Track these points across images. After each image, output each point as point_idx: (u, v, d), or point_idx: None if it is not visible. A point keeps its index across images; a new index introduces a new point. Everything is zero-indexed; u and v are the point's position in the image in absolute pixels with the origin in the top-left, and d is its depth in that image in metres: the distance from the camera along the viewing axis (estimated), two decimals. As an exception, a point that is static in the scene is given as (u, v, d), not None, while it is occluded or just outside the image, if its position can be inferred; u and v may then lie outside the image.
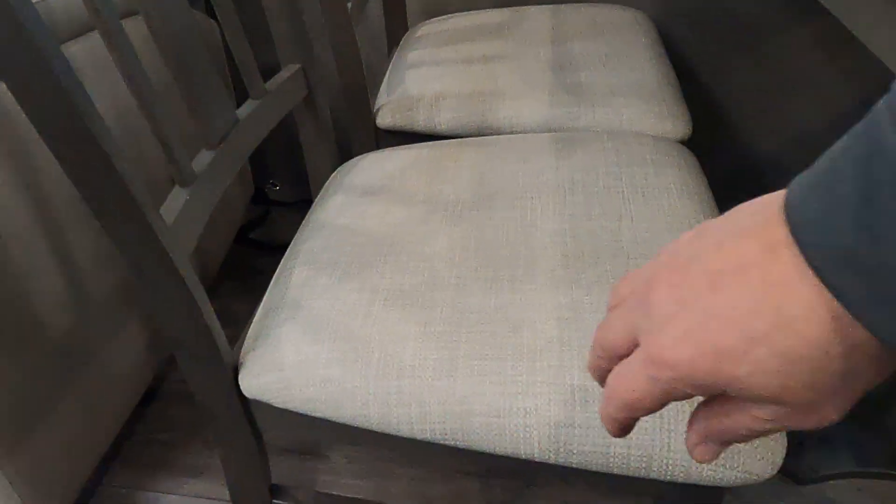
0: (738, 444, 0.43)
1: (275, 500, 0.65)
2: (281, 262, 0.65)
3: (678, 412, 0.45)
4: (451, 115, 0.87)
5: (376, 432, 0.52)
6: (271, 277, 0.65)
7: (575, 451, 0.46)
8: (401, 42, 1.12)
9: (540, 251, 0.58)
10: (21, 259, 0.73)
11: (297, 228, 0.70)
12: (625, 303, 0.28)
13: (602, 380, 0.29)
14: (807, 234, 0.22)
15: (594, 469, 0.47)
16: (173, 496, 0.94)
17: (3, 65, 0.37)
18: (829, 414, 0.23)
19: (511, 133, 0.85)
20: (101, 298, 0.87)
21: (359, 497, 0.89)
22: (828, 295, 0.21)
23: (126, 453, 1.01)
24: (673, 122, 0.82)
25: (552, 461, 0.47)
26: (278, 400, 0.53)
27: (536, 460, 0.47)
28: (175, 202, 0.51)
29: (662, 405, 0.26)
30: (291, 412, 0.54)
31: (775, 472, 0.44)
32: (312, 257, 0.61)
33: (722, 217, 0.26)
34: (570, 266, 0.56)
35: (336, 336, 0.53)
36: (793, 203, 0.22)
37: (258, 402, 0.55)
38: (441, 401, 0.48)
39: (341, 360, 0.51)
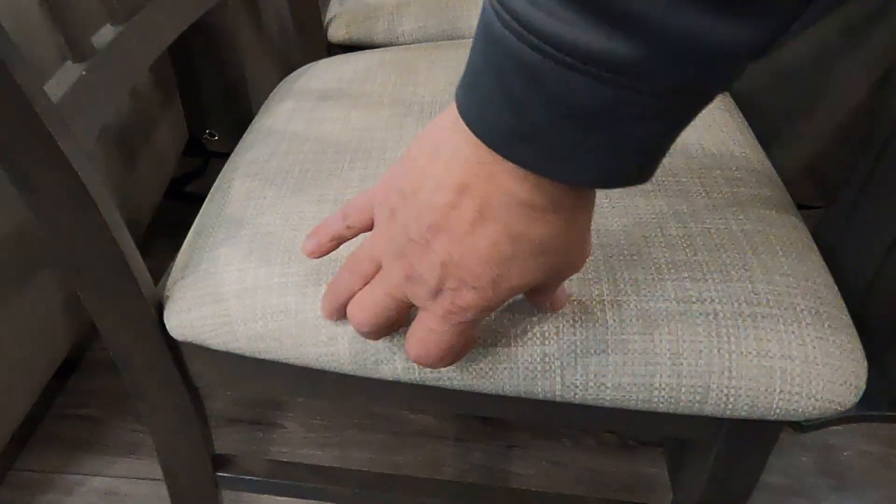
0: (815, 368, 0.34)
1: (219, 474, 0.53)
2: (217, 180, 0.52)
3: (738, 328, 0.35)
4: (415, 24, 0.75)
5: (347, 377, 0.40)
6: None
7: (609, 385, 0.35)
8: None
9: None
10: None
11: None
12: (386, 276, 0.31)
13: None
14: (478, 128, 0.25)
15: (631, 407, 0.36)
16: (100, 478, 0.81)
17: None
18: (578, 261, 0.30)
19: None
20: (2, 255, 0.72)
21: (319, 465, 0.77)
22: (510, 168, 0.25)
23: (43, 432, 0.86)
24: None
25: (578, 399, 0.36)
26: (216, 340, 0.41)
27: (558, 400, 0.37)
28: (64, 77, 0.38)
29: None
30: (234, 356, 0.41)
31: (858, 398, 0.35)
32: (257, 167, 0.49)
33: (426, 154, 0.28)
34: None
35: (291, 256, 0.40)
36: (457, 95, 0.26)
37: (191, 346, 0.43)
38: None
39: (300, 286, 0.39)
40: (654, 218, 0.40)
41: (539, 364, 0.36)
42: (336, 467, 0.54)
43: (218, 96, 1.25)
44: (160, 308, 0.43)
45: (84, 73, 0.39)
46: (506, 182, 0.26)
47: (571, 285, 0.37)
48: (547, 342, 0.36)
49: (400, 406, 0.42)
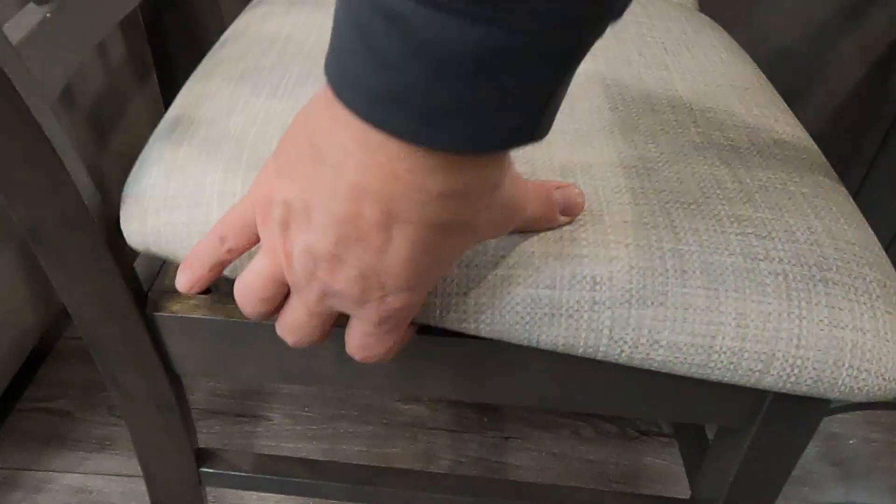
0: (886, 345, 0.31)
1: (202, 469, 0.48)
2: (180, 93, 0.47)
3: (810, 292, 0.31)
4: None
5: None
6: None
7: (663, 343, 0.31)
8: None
9: (575, 89, 0.43)
10: None
11: None
12: (301, 298, 0.28)
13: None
14: (344, 94, 0.22)
15: (682, 371, 0.32)
16: (72, 475, 0.76)
17: None
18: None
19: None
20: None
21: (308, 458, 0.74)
22: (414, 161, 0.22)
23: (10, 427, 0.81)
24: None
25: (624, 359, 0.32)
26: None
27: (599, 357, 0.33)
28: (25, 19, 0.33)
29: None
30: (214, 326, 0.37)
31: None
32: (229, 68, 0.44)
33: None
34: (619, 110, 0.41)
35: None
36: (328, 71, 0.23)
37: (170, 322, 0.38)
38: (463, 262, 0.32)
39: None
40: (706, 168, 0.36)
41: (587, 313, 0.32)
42: (326, 461, 0.50)
43: (192, 65, 1.20)
44: (138, 287, 0.38)
45: (48, 14, 0.34)
46: (412, 178, 0.22)
47: (627, 228, 0.33)
48: (598, 288, 0.31)
49: (395, 387, 0.38)
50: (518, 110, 0.21)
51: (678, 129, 0.39)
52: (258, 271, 0.28)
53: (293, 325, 0.29)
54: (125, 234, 0.37)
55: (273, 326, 0.31)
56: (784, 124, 0.42)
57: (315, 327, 0.29)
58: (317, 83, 0.41)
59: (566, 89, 0.22)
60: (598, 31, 0.20)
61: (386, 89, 0.20)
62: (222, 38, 0.51)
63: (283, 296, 0.29)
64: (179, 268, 0.31)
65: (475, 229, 0.26)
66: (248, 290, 0.28)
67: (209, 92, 0.42)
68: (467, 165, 0.23)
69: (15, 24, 0.33)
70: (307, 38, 0.47)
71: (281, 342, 0.31)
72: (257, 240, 0.29)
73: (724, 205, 0.34)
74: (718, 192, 0.35)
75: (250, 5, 0.55)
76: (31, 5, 0.35)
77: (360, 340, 0.29)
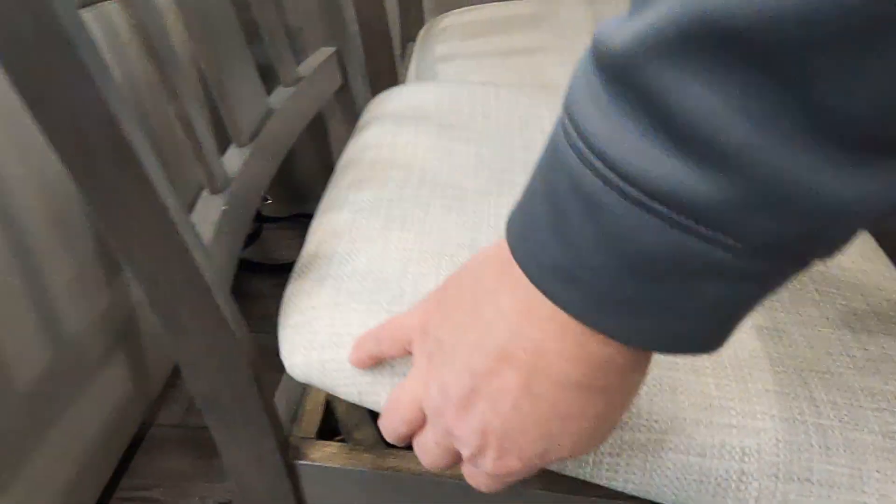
0: None
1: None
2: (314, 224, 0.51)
3: None
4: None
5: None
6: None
7: None
8: (419, 36, 1.00)
9: None
10: (-16, 290, 0.58)
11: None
12: (431, 427, 0.29)
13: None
14: (521, 256, 0.22)
15: None
16: (167, 567, 0.79)
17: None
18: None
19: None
20: (79, 333, 0.72)
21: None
22: (563, 347, 0.22)
23: (108, 516, 0.85)
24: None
25: None
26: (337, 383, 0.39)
27: None
28: (208, 212, 0.38)
29: None
30: (355, 475, 0.40)
31: None
32: (361, 198, 0.47)
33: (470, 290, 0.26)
34: None
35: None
36: (510, 230, 0.23)
37: (311, 470, 0.42)
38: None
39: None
40: (831, 333, 0.39)
41: (734, 483, 0.34)
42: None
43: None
44: (286, 445, 0.42)
45: (225, 207, 0.39)
46: (557, 362, 0.23)
47: (770, 397, 0.35)
48: (746, 460, 0.33)
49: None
50: (696, 320, 0.20)
51: (798, 287, 0.42)
52: (407, 390, 0.30)
53: (424, 448, 0.30)
54: (287, 366, 0.40)
55: (406, 479, 0.33)
56: (892, 280, 0.44)
57: (442, 456, 0.30)
58: (459, 218, 0.44)
59: (753, 308, 0.21)
60: (807, 263, 0.19)
61: (566, 265, 0.20)
62: (342, 162, 0.55)
63: (422, 422, 0.30)
64: (353, 346, 0.35)
65: (593, 431, 0.26)
66: (395, 409, 0.30)
67: (348, 225, 0.45)
68: (616, 363, 0.23)
69: (200, 221, 0.37)
70: (434, 166, 0.50)
71: (412, 494, 0.33)
72: (407, 353, 0.31)
73: (855, 376, 0.36)
74: (847, 360, 0.37)
75: (361, 125, 0.58)
76: (208, 195, 0.40)
77: (474, 478, 0.29)
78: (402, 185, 0.47)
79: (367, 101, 0.65)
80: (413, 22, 1.04)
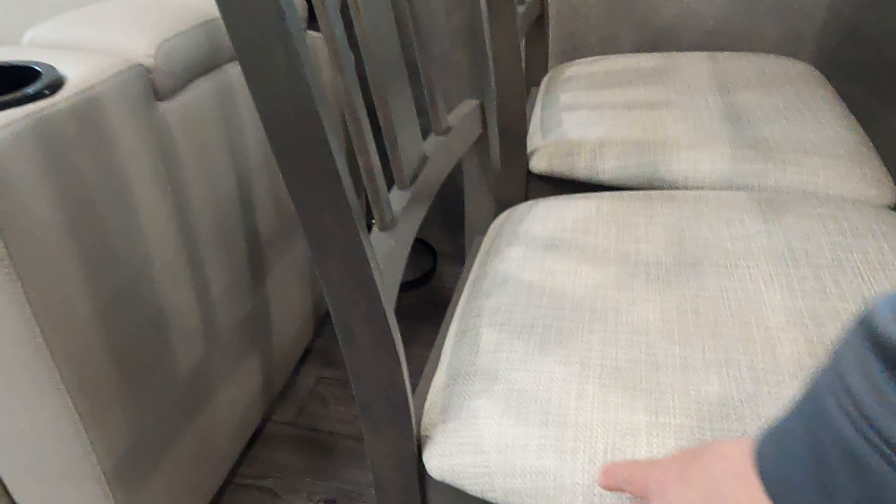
0: None
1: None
2: (457, 318, 0.58)
3: None
4: (616, 163, 0.79)
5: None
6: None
7: None
8: (543, 83, 1.06)
9: (777, 333, 0.49)
10: (165, 287, 0.68)
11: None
12: None
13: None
14: (774, 489, 0.24)
15: None
16: (276, 552, 0.87)
17: (252, 45, 0.32)
18: None
19: (686, 188, 0.77)
20: (227, 333, 0.82)
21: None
22: None
23: (225, 499, 0.94)
24: (878, 186, 0.72)
25: None
26: (474, 487, 0.45)
27: None
28: (381, 247, 0.45)
29: None
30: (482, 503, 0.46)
31: None
32: (502, 317, 0.54)
33: (699, 471, 0.30)
34: (817, 354, 0.47)
35: (548, 418, 0.45)
36: (763, 466, 0.26)
37: (443, 486, 0.47)
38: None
39: (557, 450, 0.43)
40: None
41: None
42: None
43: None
44: (419, 444, 0.48)
45: (393, 243, 0.45)
46: None
47: None
48: None
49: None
50: None
51: None
52: None
53: None
54: (427, 467, 0.47)
55: None
56: None
57: None
58: (581, 340, 0.50)
59: None
60: None
61: None
62: (485, 270, 0.61)
63: None
64: (603, 471, 0.41)
65: None
66: None
67: (490, 344, 0.51)
68: None
69: (376, 252, 0.44)
70: (565, 289, 0.56)
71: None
72: (643, 497, 0.37)
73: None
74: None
75: (504, 237, 0.65)
76: (378, 233, 0.47)
77: None
78: (556, 308, 0.53)
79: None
80: (537, 68, 1.11)
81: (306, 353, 1.17)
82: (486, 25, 0.71)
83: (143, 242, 0.63)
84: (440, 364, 0.54)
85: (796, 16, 1.07)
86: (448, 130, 0.60)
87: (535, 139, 0.87)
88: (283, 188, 0.92)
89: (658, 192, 0.70)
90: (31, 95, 0.52)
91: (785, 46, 1.08)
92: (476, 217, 0.74)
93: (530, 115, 0.98)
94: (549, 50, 1.18)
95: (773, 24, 1.08)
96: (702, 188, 0.76)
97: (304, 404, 1.07)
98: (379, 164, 0.45)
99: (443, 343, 0.57)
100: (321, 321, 1.19)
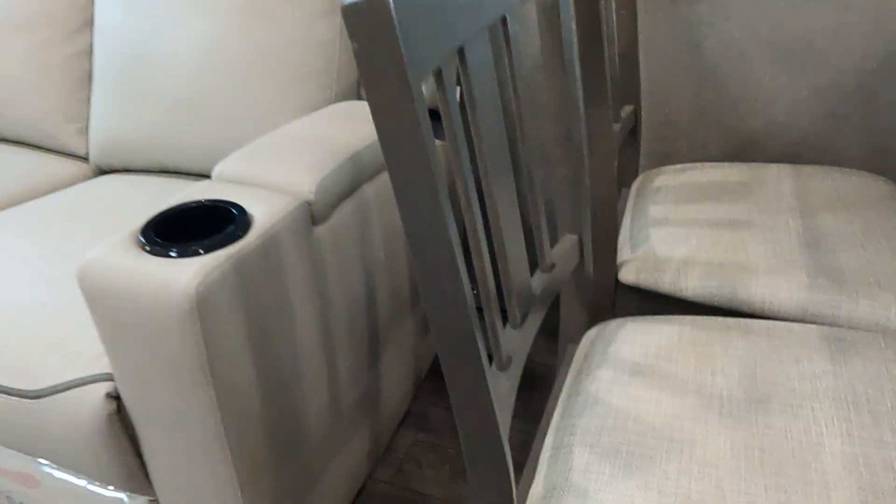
0: None
1: None
2: (552, 430, 0.69)
3: None
4: (699, 282, 0.88)
5: None
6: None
7: None
8: (633, 187, 1.16)
9: (833, 478, 0.57)
10: (307, 375, 0.82)
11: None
12: None
13: None
14: None
15: None
16: None
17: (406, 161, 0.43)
18: None
19: (763, 312, 0.85)
20: (347, 407, 0.95)
21: None
22: None
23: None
24: (948, 325, 0.78)
25: None
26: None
27: None
28: (498, 386, 0.57)
29: None
30: None
31: None
32: (592, 438, 0.64)
33: None
34: (868, 503, 0.55)
35: (629, 538, 0.55)
36: None
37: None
38: None
39: (635, 567, 0.53)
40: None
41: None
42: None
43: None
44: (519, 545, 0.59)
45: (508, 382, 0.57)
46: None
47: None
48: None
49: None
50: None
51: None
52: None
53: None
54: None
55: None
56: None
57: None
58: (659, 468, 0.59)
59: None
60: None
61: None
62: (578, 388, 0.72)
63: None
64: None
65: None
66: None
67: (581, 463, 0.62)
68: None
69: (492, 386, 0.56)
70: (647, 417, 0.66)
71: None
72: None
73: None
74: None
75: (594, 357, 0.76)
76: (494, 371, 0.58)
77: None
78: (639, 434, 0.63)
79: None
80: (629, 171, 1.21)
81: (405, 415, 1.30)
82: (586, 163, 0.82)
83: (296, 341, 0.78)
84: (537, 474, 0.64)
85: (884, 133, 1.13)
86: (552, 267, 0.72)
87: (624, 251, 0.98)
88: (400, 279, 1.06)
89: (735, 320, 0.79)
90: (232, 237, 0.67)
91: (871, 162, 1.14)
92: (569, 325, 0.85)
93: (621, 218, 1.08)
94: (641, 151, 1.28)
95: (859, 141, 1.14)
96: (777, 315, 0.84)
97: (402, 464, 1.20)
98: (499, 307, 0.57)
99: (539, 452, 0.68)
100: (420, 385, 1.32)
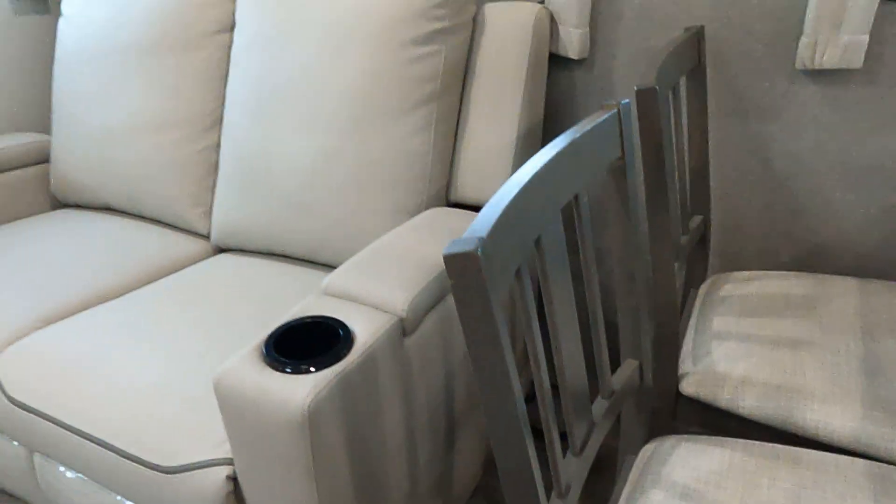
0: None
1: None
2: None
3: None
4: (755, 402, 0.94)
5: None
6: None
7: None
8: (701, 290, 1.23)
9: None
10: (394, 465, 0.94)
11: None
12: None
13: None
14: None
15: None
16: None
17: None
18: None
19: (816, 437, 0.90)
20: (426, 490, 1.06)
21: None
22: None
23: None
24: None
25: None
26: None
27: None
28: None
29: None
30: None
31: None
32: None
33: None
34: None
35: None
36: None
37: None
38: None
39: None
40: None
41: None
42: None
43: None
44: None
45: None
46: None
47: None
48: None
49: None
50: None
51: None
52: None
53: None
54: None
55: None
56: None
57: None
58: None
59: None
60: None
61: None
62: (645, 499, 0.80)
63: None
64: None
65: None
66: None
67: None
68: None
69: None
70: None
71: None
72: None
73: None
74: None
75: (649, 478, 0.83)
76: (556, 500, 0.68)
77: None
78: None
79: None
80: (698, 272, 1.27)
81: (475, 490, 1.39)
82: (647, 298, 0.91)
83: (385, 440, 0.90)
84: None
85: (956, 252, 1.15)
86: (613, 393, 0.80)
87: (686, 363, 1.05)
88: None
89: (784, 448, 0.85)
90: (337, 355, 0.80)
91: (941, 280, 1.16)
92: (629, 438, 0.92)
93: (687, 321, 1.15)
94: (711, 252, 1.34)
95: (931, 257, 1.17)
96: (830, 441, 0.89)
97: (470, 537, 1.29)
98: (559, 440, 0.66)
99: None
100: (487, 460, 1.41)
